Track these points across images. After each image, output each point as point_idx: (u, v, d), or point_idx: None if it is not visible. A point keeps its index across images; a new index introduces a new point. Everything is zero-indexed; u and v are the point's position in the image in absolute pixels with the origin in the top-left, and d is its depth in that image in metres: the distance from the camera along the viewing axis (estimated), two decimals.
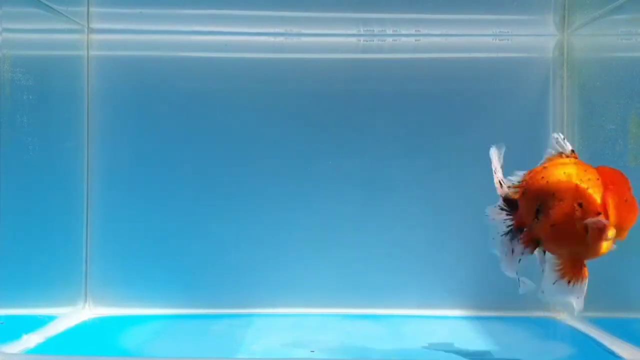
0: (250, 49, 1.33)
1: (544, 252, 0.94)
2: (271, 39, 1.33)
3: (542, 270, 0.93)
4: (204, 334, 1.17)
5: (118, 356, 1.05)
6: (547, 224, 0.89)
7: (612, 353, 1.07)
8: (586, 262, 0.90)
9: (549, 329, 1.26)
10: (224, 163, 1.32)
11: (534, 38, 1.34)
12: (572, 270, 0.90)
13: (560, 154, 0.91)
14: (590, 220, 0.84)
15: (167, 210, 1.31)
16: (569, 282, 0.91)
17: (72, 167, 1.28)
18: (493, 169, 0.98)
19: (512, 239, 0.97)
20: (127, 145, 1.32)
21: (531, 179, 0.93)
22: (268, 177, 1.32)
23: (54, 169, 1.21)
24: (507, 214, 0.98)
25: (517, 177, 0.97)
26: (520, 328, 1.22)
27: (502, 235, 0.98)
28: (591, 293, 1.24)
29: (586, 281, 0.90)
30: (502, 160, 0.99)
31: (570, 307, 0.92)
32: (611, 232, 0.84)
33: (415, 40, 1.34)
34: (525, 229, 0.95)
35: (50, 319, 1.18)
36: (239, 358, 1.05)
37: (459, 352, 1.10)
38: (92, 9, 1.32)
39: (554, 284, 0.91)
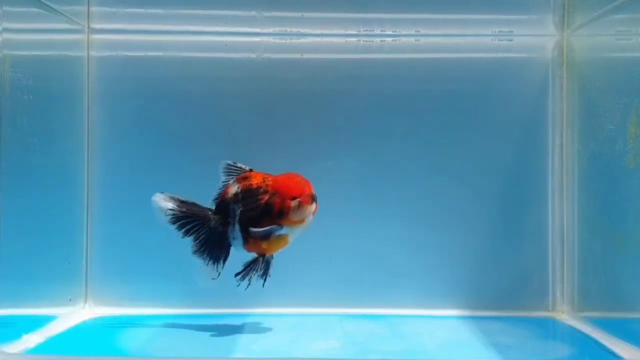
0: (250, 49, 1.33)
1: None
2: (271, 39, 1.33)
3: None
4: (204, 334, 1.17)
5: (118, 356, 1.06)
6: None
7: (612, 353, 1.07)
8: None
9: (548, 329, 1.26)
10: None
11: (533, 38, 1.34)
12: None
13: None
14: None
15: None
16: None
17: (72, 167, 1.28)
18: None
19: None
20: (127, 145, 1.32)
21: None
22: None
23: (54, 169, 1.21)
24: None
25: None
26: (520, 328, 1.22)
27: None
28: (591, 293, 1.25)
29: None
30: None
31: None
32: None
33: (415, 40, 1.34)
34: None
35: (50, 319, 1.18)
36: (239, 358, 1.05)
37: (458, 352, 1.10)
38: (92, 9, 1.32)
39: None
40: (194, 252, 1.13)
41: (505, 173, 1.34)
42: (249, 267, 1.12)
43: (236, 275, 1.12)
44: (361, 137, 1.32)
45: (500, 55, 1.34)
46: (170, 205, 1.12)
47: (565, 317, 1.30)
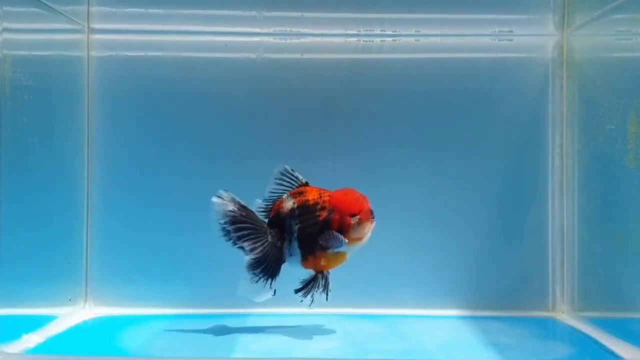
0: (250, 49, 1.33)
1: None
2: (271, 39, 1.33)
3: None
4: (204, 334, 1.17)
5: (118, 356, 1.06)
6: None
7: (612, 353, 1.07)
8: None
9: (548, 329, 1.26)
10: (223, 163, 1.32)
11: (533, 38, 1.34)
12: None
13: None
14: None
15: (166, 210, 1.31)
16: None
17: (72, 167, 1.28)
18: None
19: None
20: (127, 145, 1.32)
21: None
22: (268, 177, 1.31)
23: (55, 169, 1.21)
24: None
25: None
26: (520, 328, 1.22)
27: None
28: (591, 293, 1.25)
29: None
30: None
31: None
32: None
33: (415, 40, 1.34)
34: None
35: (50, 319, 1.18)
36: (239, 358, 1.05)
37: (458, 352, 1.10)
38: (92, 9, 1.32)
39: None
40: (248, 267, 1.09)
41: (505, 173, 1.34)
42: (310, 285, 1.11)
43: (296, 291, 1.11)
44: (361, 137, 1.32)
45: (500, 55, 1.34)
46: (231, 207, 1.09)
47: (565, 317, 1.30)
